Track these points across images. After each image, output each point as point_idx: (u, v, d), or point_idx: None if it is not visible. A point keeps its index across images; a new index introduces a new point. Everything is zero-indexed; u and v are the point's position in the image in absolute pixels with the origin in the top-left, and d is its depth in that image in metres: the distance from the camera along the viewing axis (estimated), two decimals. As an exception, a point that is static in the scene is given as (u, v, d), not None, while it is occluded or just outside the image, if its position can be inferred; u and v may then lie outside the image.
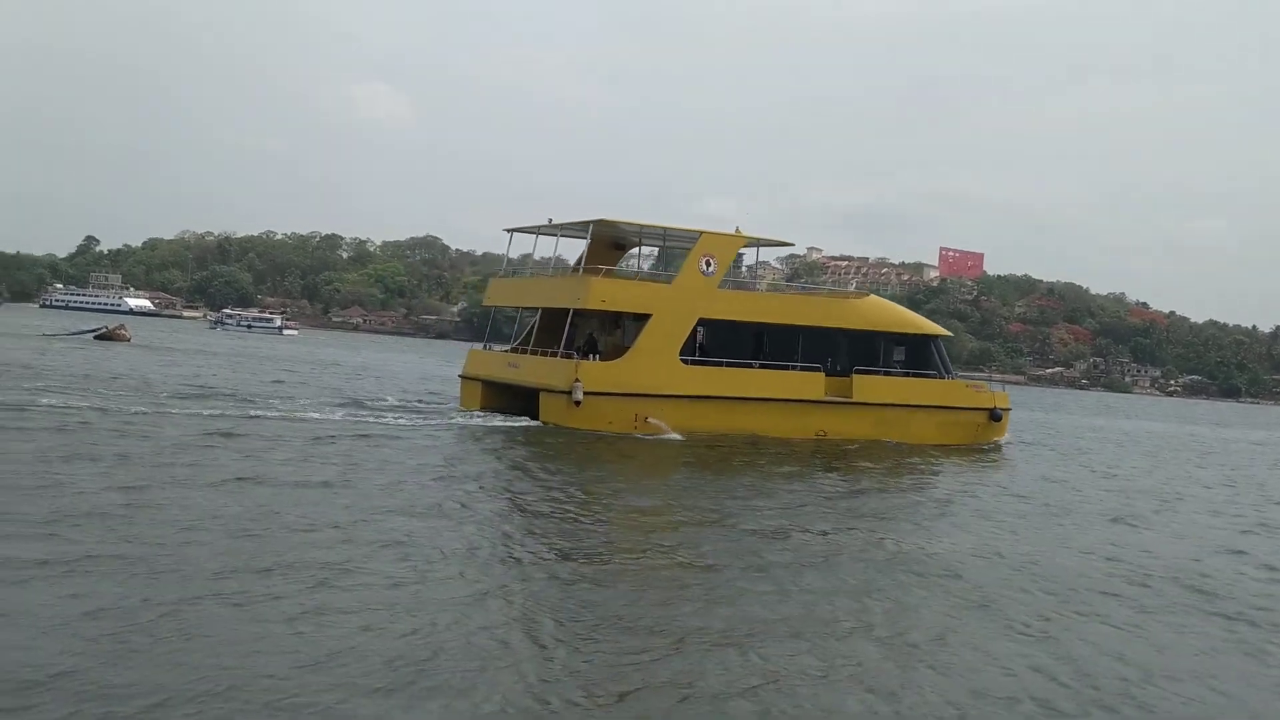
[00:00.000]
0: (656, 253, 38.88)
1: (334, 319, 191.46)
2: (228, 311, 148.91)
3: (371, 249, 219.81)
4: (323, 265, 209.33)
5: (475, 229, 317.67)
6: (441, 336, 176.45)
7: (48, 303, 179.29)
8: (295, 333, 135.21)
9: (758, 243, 32.53)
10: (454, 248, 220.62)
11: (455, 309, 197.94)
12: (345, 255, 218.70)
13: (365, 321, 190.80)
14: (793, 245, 38.32)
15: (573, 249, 33.95)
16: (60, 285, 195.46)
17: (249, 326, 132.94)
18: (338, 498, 14.78)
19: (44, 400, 23.44)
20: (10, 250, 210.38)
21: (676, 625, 9.92)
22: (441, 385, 43.27)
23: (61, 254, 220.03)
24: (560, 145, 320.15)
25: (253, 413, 25.01)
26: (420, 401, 32.83)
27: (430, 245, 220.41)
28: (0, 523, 11.37)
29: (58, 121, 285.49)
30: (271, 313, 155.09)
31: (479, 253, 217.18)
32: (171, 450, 17.83)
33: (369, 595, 9.93)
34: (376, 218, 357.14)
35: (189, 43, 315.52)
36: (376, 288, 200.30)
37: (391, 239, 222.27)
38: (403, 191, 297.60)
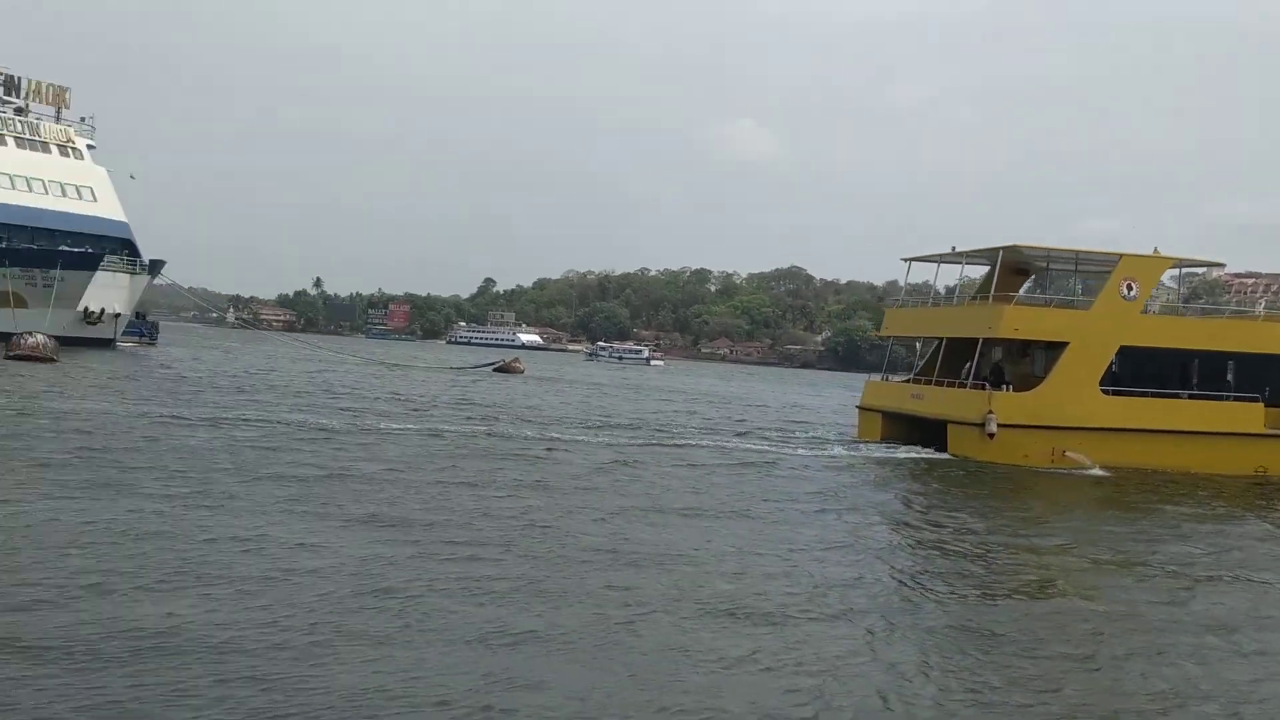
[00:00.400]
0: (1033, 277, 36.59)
1: (703, 350, 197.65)
2: (601, 344, 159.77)
3: (738, 281, 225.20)
4: (692, 299, 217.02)
5: (838, 258, 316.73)
6: (806, 366, 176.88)
7: (453, 339, 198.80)
8: (661, 363, 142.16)
9: (1182, 263, 30.11)
10: (818, 277, 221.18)
11: (819, 338, 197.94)
12: (713, 288, 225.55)
13: (732, 352, 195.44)
14: (1224, 265, 34.84)
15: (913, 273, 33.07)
16: (463, 323, 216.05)
17: (620, 358, 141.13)
18: (730, 528, 14.83)
19: (449, 428, 25.75)
20: (422, 294, 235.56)
21: (1085, 682, 8.99)
22: (814, 415, 43.19)
23: (465, 295, 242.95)
24: (919, 173, 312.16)
25: (639, 440, 26.06)
26: (801, 431, 32.99)
27: (794, 276, 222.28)
28: (422, 543, 12.38)
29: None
30: (640, 345, 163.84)
31: (843, 281, 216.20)
32: (568, 477, 18.81)
33: (757, 627, 9.81)
34: (742, 250, 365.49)
35: (563, 93, 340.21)
36: (743, 319, 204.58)
37: (757, 270, 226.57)
38: (768, 223, 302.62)
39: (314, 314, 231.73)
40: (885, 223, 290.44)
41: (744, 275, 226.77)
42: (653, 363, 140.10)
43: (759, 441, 28.11)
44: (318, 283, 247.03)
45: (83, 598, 8.96)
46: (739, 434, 30.34)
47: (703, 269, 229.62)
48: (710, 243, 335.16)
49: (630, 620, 9.66)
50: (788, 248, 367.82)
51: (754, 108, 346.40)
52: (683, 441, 26.49)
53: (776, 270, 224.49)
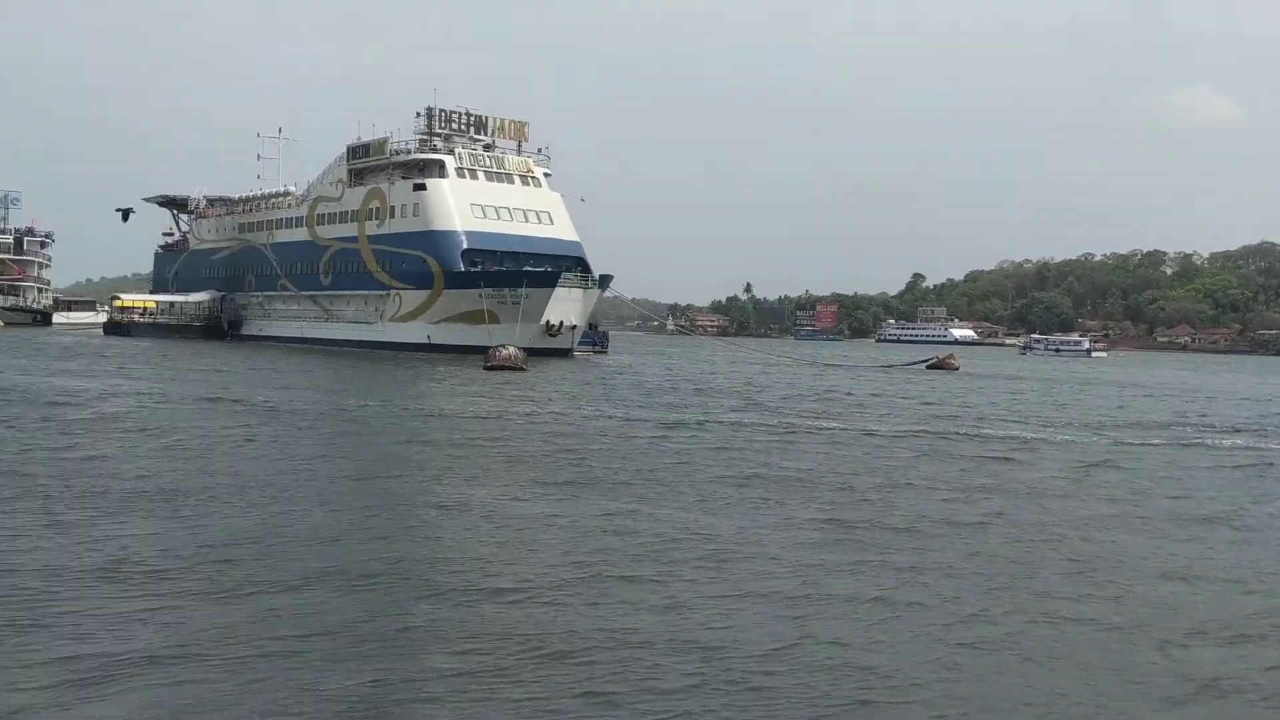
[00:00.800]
0: None
1: (1159, 339, 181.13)
2: (1034, 337, 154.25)
3: (1198, 262, 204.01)
4: (1145, 284, 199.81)
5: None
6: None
7: (882, 337, 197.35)
8: (1104, 354, 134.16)
9: None
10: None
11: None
12: (1169, 272, 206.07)
13: (1194, 340, 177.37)
14: None
15: None
16: (892, 320, 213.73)
17: (1056, 350, 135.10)
18: (1222, 535, 13.24)
19: (886, 428, 25.29)
20: (849, 292, 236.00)
21: None
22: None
23: (892, 292, 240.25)
24: None
25: (1099, 439, 24.13)
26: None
27: (1267, 252, 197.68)
28: (867, 546, 12.04)
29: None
30: (1082, 335, 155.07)
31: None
32: (1023, 480, 17.55)
33: (1260, 646, 8.56)
34: (1202, 229, 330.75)
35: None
36: (1205, 303, 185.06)
37: (1220, 249, 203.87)
38: (1232, 197, 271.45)
39: (745, 318, 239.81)
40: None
41: (1205, 255, 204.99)
42: (1094, 354, 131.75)
43: (1248, 438, 25.03)
44: (748, 288, 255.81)
45: (561, 588, 9.53)
46: (1219, 430, 27.13)
47: (1156, 251, 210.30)
48: (1161, 222, 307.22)
49: (1114, 636, 8.73)
50: (1257, 222, 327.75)
51: (1209, 72, 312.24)
52: (1151, 440, 24.07)
53: (1244, 248, 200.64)
